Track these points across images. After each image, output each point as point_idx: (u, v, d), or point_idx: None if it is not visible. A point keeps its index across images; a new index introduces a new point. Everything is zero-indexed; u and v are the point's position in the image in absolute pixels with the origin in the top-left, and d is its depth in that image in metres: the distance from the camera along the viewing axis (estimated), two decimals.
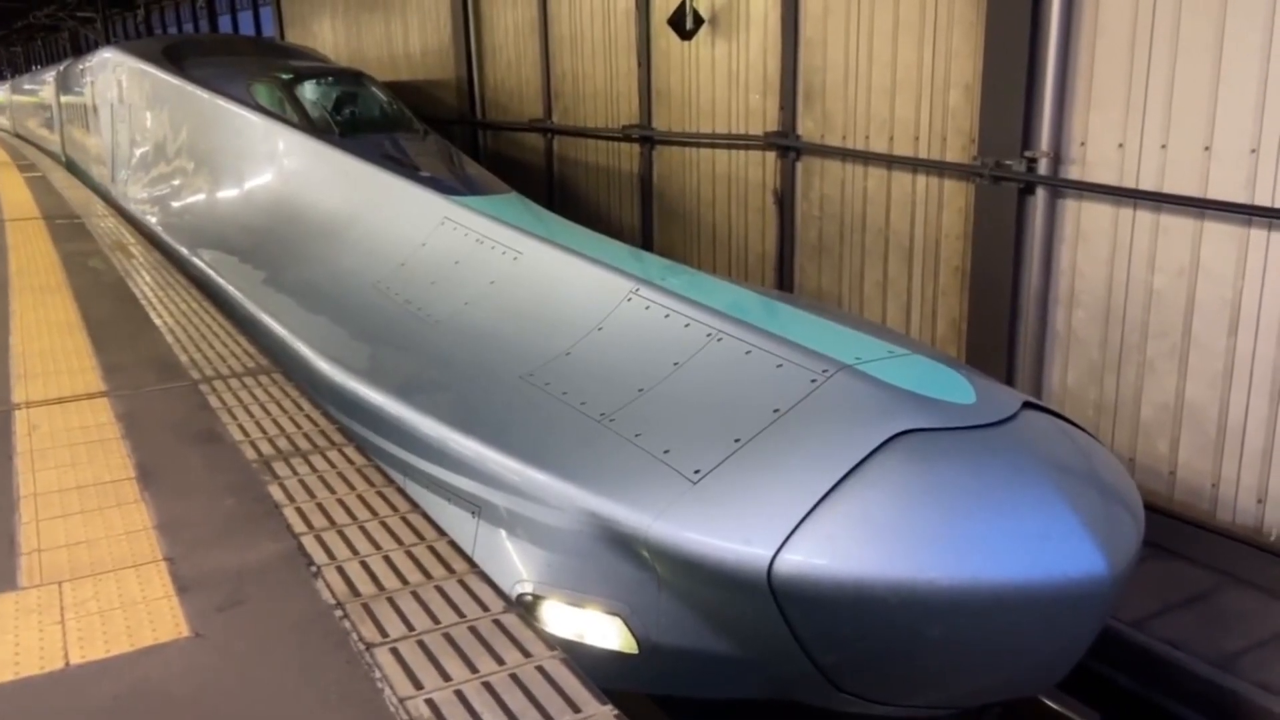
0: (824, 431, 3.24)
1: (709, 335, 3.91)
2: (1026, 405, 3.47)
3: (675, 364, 3.86)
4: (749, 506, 3.09)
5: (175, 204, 8.74)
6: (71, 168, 14.40)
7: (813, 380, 3.45)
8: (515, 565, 3.59)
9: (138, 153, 9.97)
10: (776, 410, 3.38)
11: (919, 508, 2.98)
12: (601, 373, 4.04)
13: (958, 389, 3.48)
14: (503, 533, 3.67)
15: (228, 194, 8.04)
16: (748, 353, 3.74)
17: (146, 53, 10.02)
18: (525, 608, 3.46)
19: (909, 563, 2.87)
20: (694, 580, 3.20)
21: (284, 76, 8.35)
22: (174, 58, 9.65)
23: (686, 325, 4.03)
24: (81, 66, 13.04)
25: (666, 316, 4.14)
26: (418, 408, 4.18)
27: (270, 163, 7.73)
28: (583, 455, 3.59)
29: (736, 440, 3.32)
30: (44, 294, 6.01)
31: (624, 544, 3.30)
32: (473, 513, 3.78)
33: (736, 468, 3.23)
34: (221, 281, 6.59)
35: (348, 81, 8.65)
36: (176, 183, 8.91)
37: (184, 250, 7.58)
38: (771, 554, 2.93)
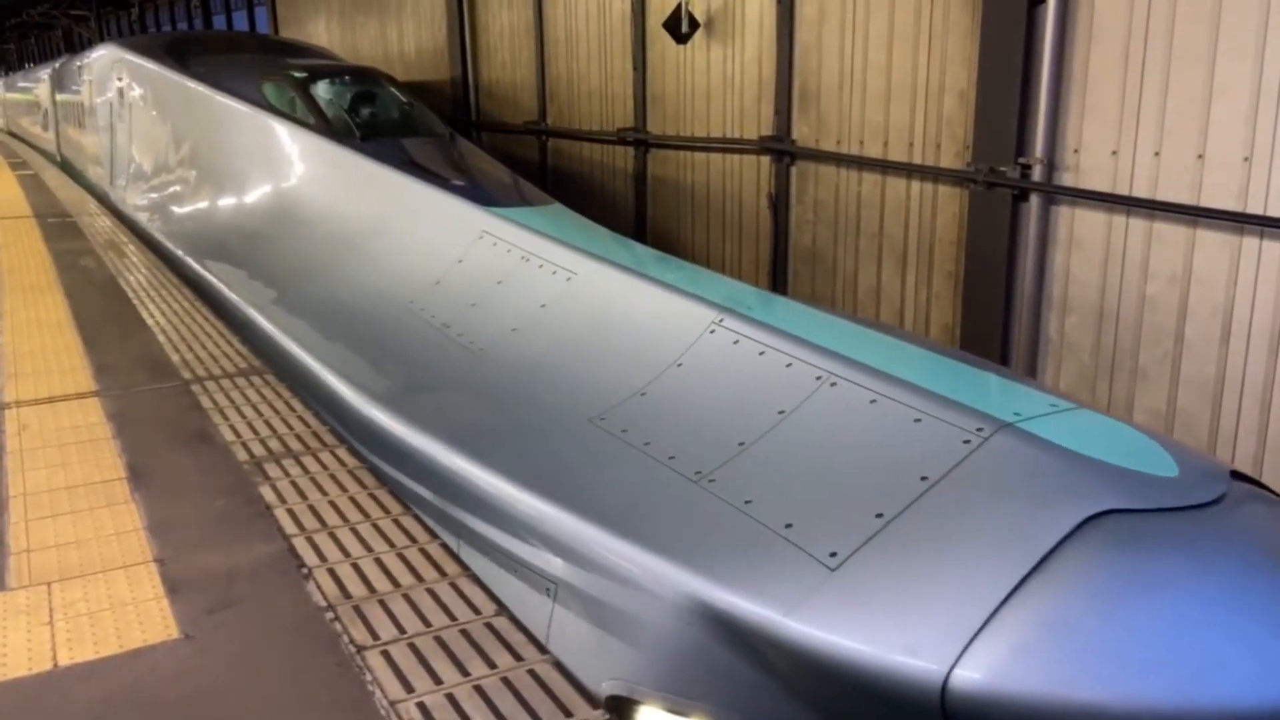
0: (994, 509, 2.66)
1: (818, 378, 3.34)
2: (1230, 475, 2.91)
3: (780, 412, 3.30)
4: (909, 605, 2.52)
5: (180, 211, 8.33)
6: (66, 168, 14.15)
7: (965, 441, 2.86)
8: (604, 659, 2.97)
9: (139, 155, 9.61)
10: (924, 479, 2.80)
11: (1133, 613, 2.41)
12: (688, 420, 3.48)
13: (1152, 456, 2.88)
14: (586, 619, 3.08)
15: (238, 202, 7.59)
16: (872, 402, 3.15)
17: (149, 49, 9.62)
18: (616, 711, 2.91)
19: (1125, 683, 2.30)
20: (836, 693, 2.61)
21: (297, 75, 7.87)
22: (178, 55, 9.25)
23: (789, 365, 3.46)
24: (79, 64, 12.67)
25: (761, 353, 3.57)
26: (470, 456, 3.59)
27: (286, 168, 7.30)
28: (683, 525, 3.01)
29: (879, 516, 2.74)
30: (35, 293, 5.98)
31: (744, 642, 2.71)
32: (547, 591, 3.17)
33: (883, 551, 2.65)
34: (234, 297, 6.12)
35: (365, 81, 8.17)
36: (182, 188, 8.53)
37: (190, 260, 7.13)
38: (946, 669, 2.35)
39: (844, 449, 3.07)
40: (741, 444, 3.25)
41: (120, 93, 10.06)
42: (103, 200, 10.47)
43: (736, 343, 3.68)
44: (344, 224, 6.38)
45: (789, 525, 2.84)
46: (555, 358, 4.18)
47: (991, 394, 3.23)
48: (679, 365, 3.76)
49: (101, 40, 18.88)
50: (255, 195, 7.47)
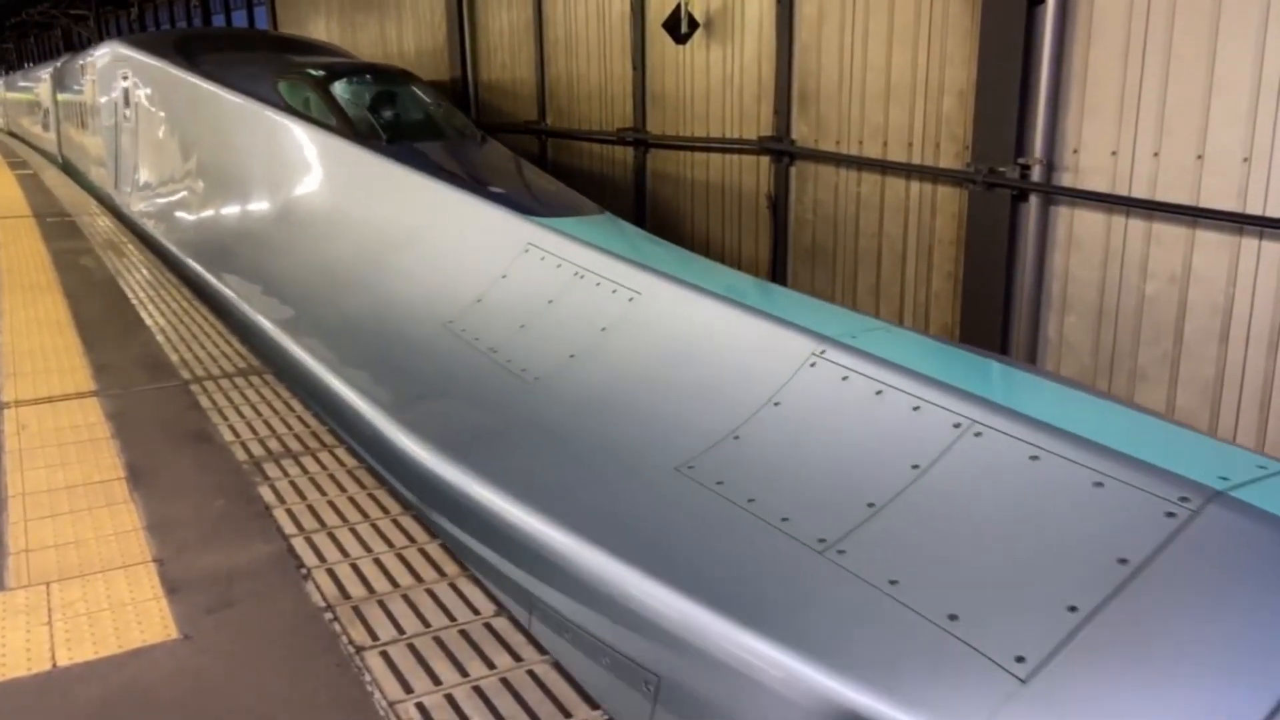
0: (1225, 603, 2.18)
1: (957, 425, 2.82)
2: None
3: (914, 467, 2.79)
4: None
5: (190, 218, 7.91)
6: (68, 169, 13.93)
7: (1169, 514, 2.34)
8: None
9: (146, 157, 9.25)
10: (1123, 561, 2.29)
11: None
12: (796, 472, 2.99)
13: None
14: None
15: (254, 209, 7.14)
16: (1033, 459, 2.62)
17: (155, 46, 9.23)
18: None
19: None
20: None
21: (315, 73, 7.35)
22: (186, 52, 8.84)
23: (916, 408, 2.94)
24: (81, 62, 12.33)
25: (879, 393, 3.05)
26: (540, 513, 3.07)
27: (306, 173, 6.86)
28: (814, 610, 2.49)
29: (1072, 610, 2.23)
30: (34, 292, 5.98)
31: None
32: (646, 684, 2.63)
33: (1086, 656, 2.14)
34: (252, 312, 5.65)
35: (388, 79, 7.67)
36: (191, 194, 8.13)
37: (203, 270, 6.70)
38: None
39: (1005, 519, 2.55)
40: (871, 505, 2.75)
41: (125, 92, 9.68)
42: (106, 203, 10.19)
43: (845, 379, 3.18)
44: (371, 234, 5.92)
45: (953, 617, 2.33)
46: (623, 390, 3.69)
47: (1180, 451, 2.66)
48: (775, 404, 3.26)
49: (101, 40, 18.80)
50: (273, 202, 7.02)
